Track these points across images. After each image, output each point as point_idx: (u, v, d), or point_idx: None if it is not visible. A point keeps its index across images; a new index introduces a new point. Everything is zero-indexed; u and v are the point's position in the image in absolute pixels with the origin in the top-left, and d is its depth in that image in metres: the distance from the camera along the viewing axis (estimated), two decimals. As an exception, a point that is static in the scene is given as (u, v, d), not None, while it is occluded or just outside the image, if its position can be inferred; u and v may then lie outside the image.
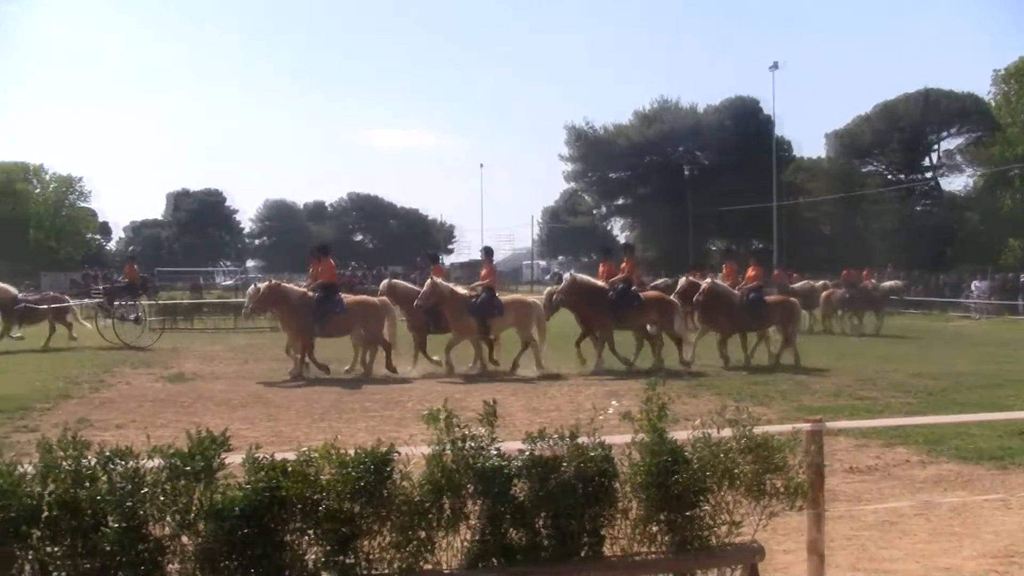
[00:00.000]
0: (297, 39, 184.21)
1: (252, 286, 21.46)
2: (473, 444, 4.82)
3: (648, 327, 21.59)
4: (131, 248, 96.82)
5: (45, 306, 27.75)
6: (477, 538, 4.84)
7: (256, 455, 4.53)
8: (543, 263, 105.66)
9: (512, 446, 4.98)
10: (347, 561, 4.57)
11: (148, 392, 16.94)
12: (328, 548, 4.55)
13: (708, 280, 23.20)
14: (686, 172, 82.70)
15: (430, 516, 4.69)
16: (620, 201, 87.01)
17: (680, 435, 5.15)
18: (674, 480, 4.93)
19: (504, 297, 21.89)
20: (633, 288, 21.76)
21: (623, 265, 22.21)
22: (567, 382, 18.37)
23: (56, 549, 4.30)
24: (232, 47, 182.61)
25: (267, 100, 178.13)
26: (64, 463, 4.35)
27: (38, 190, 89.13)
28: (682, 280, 24.10)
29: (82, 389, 17.20)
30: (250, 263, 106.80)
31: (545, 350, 20.55)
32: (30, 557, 4.31)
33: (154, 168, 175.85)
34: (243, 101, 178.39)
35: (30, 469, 4.36)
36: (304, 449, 4.66)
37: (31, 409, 14.55)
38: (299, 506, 4.48)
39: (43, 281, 69.32)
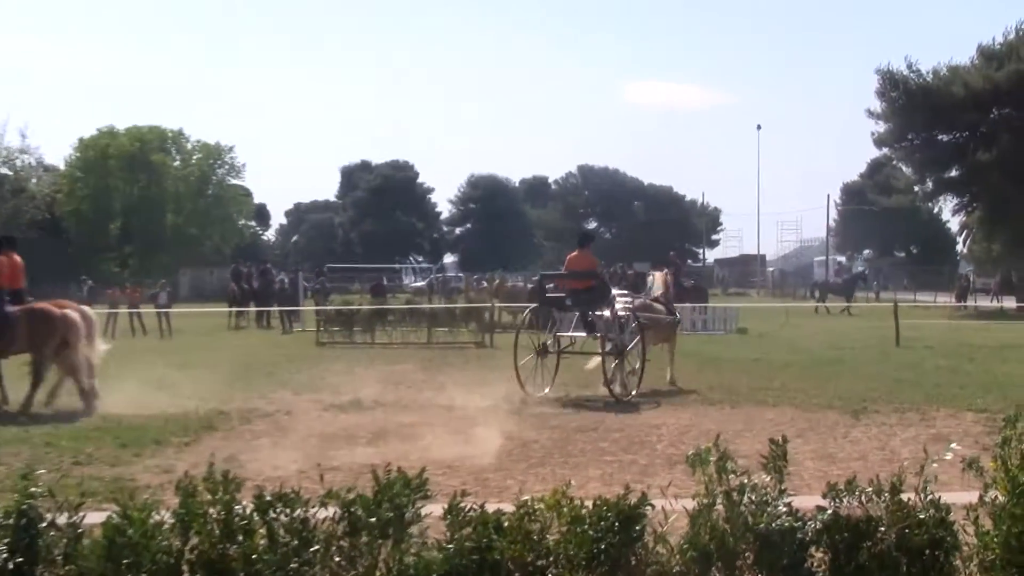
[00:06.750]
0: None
1: None
2: (754, 497, 4.76)
3: None
4: (294, 239, 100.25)
5: None
6: (758, 625, 4.78)
7: (461, 504, 4.58)
8: (842, 259, 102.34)
9: (805, 502, 4.90)
10: (578, 647, 4.60)
11: (315, 424, 17.47)
12: (555, 630, 4.57)
13: None
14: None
15: (694, 593, 4.65)
16: (953, 173, 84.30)
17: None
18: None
19: None
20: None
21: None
22: (876, 422, 17.81)
23: (198, 623, 4.45)
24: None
25: (467, 43, 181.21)
26: (211, 510, 4.50)
27: (177, 162, 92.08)
28: None
29: (230, 420, 17.91)
30: (448, 258, 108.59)
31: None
32: (165, 631, 4.47)
33: (324, 139, 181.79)
34: (435, 46, 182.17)
35: (168, 517, 4.53)
36: (525, 499, 4.68)
37: (166, 444, 15.25)
38: (517, 574, 4.50)
39: (182, 280, 72.60)
